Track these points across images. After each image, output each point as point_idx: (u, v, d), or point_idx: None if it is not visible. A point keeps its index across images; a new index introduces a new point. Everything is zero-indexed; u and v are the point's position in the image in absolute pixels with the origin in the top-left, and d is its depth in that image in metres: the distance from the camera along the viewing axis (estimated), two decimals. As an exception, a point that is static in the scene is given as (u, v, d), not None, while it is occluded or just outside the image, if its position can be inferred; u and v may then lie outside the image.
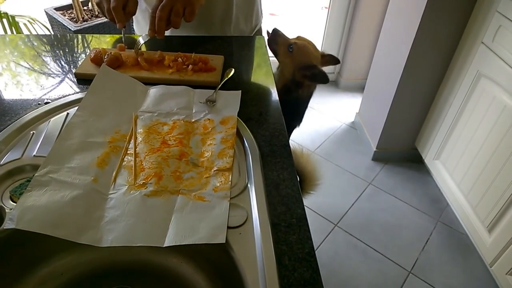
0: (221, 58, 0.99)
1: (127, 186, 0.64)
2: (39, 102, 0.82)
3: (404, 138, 2.11)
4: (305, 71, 1.04)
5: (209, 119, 0.80)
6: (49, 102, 0.81)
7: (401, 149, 2.16)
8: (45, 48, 1.04)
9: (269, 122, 0.81)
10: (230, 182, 0.66)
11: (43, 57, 0.99)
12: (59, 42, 1.07)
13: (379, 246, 1.74)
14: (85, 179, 0.63)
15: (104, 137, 0.72)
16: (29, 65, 0.96)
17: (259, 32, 1.29)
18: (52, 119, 0.77)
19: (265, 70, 1.00)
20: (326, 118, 2.54)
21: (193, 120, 0.80)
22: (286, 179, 0.68)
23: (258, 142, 0.75)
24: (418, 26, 1.66)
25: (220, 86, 0.89)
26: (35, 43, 1.05)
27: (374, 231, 1.80)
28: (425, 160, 2.03)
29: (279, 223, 0.60)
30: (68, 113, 0.79)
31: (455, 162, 1.78)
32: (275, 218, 0.61)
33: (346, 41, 2.66)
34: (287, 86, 1.08)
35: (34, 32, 1.76)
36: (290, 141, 0.82)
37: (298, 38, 1.07)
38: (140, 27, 1.16)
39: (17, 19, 1.69)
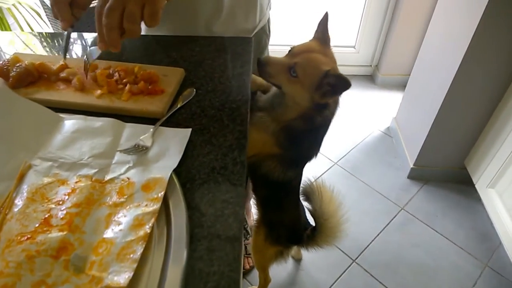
0: (179, 73, 0.70)
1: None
2: None
3: (451, 154, 1.73)
4: (324, 87, 0.72)
5: (128, 179, 0.52)
6: None
7: (446, 168, 1.78)
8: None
9: (221, 188, 0.52)
10: (116, 319, 0.39)
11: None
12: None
13: (406, 293, 1.41)
14: None
15: (-45, 210, 0.47)
16: None
17: (265, 29, 1.00)
18: None
19: (240, 92, 0.70)
20: (355, 121, 2.17)
21: (106, 179, 0.53)
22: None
23: (193, 229, 0.47)
24: (483, 13, 1.27)
25: (165, 119, 0.61)
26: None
27: (402, 272, 1.47)
28: (476, 186, 1.64)
29: None
30: None
31: (516, 194, 1.39)
32: None
33: (387, 28, 2.27)
34: (307, 115, 0.77)
35: (20, 19, 1.56)
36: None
37: (293, 49, 0.74)
38: None
39: (-1, 3, 1.50)
